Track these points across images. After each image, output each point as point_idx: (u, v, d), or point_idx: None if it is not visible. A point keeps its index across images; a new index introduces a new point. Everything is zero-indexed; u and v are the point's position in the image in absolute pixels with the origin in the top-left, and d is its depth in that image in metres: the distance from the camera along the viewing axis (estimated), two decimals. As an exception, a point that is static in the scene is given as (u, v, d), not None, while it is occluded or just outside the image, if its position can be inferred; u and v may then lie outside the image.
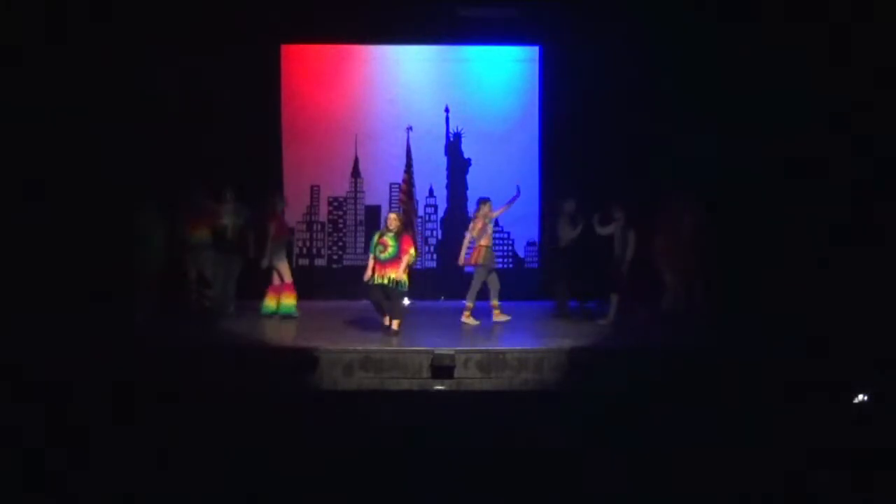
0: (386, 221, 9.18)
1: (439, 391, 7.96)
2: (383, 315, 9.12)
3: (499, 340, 8.98)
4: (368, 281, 9.01)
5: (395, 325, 8.98)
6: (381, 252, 8.93)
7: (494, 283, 9.92)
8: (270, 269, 10.08)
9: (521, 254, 12.15)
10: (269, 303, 10.16)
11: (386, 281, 8.90)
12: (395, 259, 8.92)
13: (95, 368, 7.44)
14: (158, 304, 9.88)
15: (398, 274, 8.92)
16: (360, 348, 8.36)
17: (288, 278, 10.17)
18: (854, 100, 8.43)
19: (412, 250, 9.08)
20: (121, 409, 6.42)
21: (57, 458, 5.45)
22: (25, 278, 8.62)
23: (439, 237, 12.21)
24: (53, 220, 8.98)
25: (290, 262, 10.46)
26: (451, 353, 8.14)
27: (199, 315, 10.09)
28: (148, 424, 6.15)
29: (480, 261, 9.74)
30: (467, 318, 9.76)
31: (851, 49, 8.54)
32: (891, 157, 8.22)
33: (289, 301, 10.17)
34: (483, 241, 9.75)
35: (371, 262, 9.03)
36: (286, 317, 10.11)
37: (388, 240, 8.95)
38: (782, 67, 9.24)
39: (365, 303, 11.42)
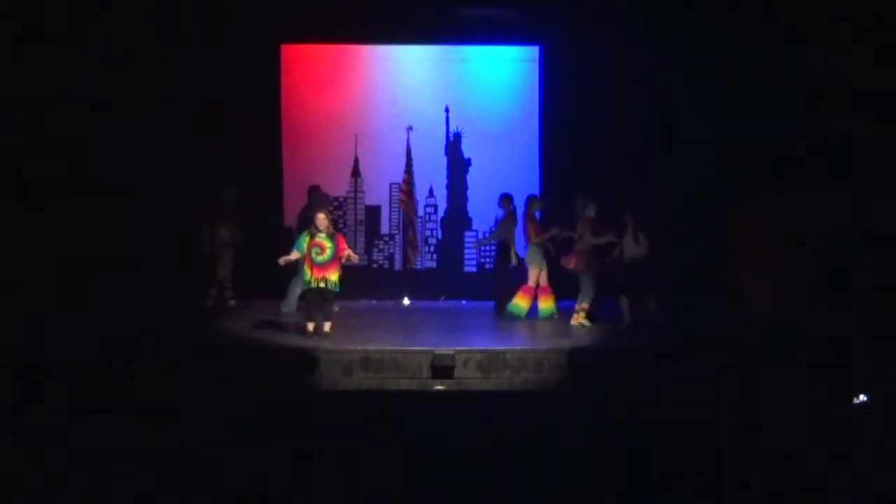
0: (315, 222, 8.82)
1: (439, 391, 7.96)
2: (311, 319, 8.90)
3: (499, 340, 8.97)
4: (310, 282, 8.79)
5: (327, 326, 8.85)
6: (318, 255, 8.72)
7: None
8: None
9: (521, 254, 12.09)
10: (544, 304, 10.17)
11: (325, 284, 8.76)
12: (334, 260, 8.79)
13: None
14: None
15: (338, 275, 8.86)
16: (360, 348, 8.35)
17: (543, 281, 10.17)
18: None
19: (347, 248, 8.99)
20: (121, 407, 6.43)
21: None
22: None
23: (439, 237, 12.19)
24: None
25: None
26: (451, 353, 8.13)
27: (214, 314, 10.17)
28: (147, 424, 6.15)
29: (584, 265, 9.74)
30: (582, 320, 9.72)
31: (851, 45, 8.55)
32: None
33: (547, 304, 10.20)
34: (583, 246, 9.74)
35: (294, 256, 8.79)
36: (547, 317, 10.12)
37: (324, 241, 8.74)
38: (782, 64, 9.25)
39: (365, 303, 11.50)
